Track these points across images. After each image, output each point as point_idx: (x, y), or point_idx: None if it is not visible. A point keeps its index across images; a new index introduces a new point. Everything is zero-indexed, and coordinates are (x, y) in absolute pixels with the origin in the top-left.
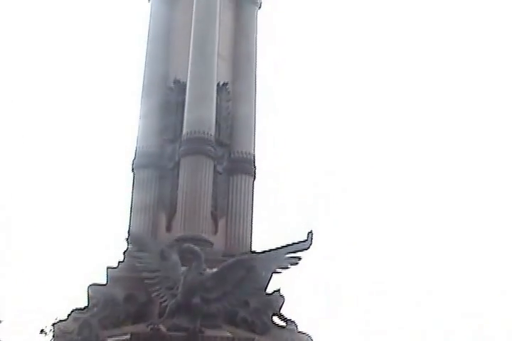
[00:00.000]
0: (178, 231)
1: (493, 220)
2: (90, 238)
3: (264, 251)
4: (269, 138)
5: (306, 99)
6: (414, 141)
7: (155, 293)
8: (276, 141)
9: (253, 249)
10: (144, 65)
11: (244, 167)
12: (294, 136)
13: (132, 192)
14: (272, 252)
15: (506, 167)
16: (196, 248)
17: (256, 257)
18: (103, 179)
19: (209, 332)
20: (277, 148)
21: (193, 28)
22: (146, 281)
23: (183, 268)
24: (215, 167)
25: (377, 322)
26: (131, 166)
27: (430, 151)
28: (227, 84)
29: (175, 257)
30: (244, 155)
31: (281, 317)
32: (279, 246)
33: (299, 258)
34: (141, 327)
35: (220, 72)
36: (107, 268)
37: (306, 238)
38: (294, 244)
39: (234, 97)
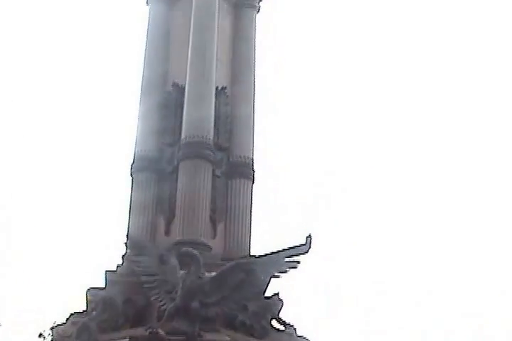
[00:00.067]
0: (176, 235)
1: (493, 220)
2: (89, 242)
3: (262, 255)
4: (268, 140)
5: (306, 100)
6: (414, 141)
7: (154, 297)
8: (275, 142)
9: (252, 253)
10: (142, 69)
11: (242, 171)
12: (293, 138)
13: (131, 196)
14: (270, 256)
15: (506, 167)
16: (195, 252)
17: (254, 261)
18: (102, 183)
19: (208, 336)
20: (276, 149)
21: (191, 31)
22: (144, 285)
23: (182, 272)
24: (213, 171)
25: (377, 322)
26: (129, 170)
27: (430, 151)
28: (225, 88)
29: (173, 261)
30: (243, 159)
31: (279, 321)
32: (277, 250)
33: (298, 262)
34: (139, 331)
35: (218, 75)
36: (106, 271)
37: (304, 242)
38: (292, 247)
39: (232, 101)
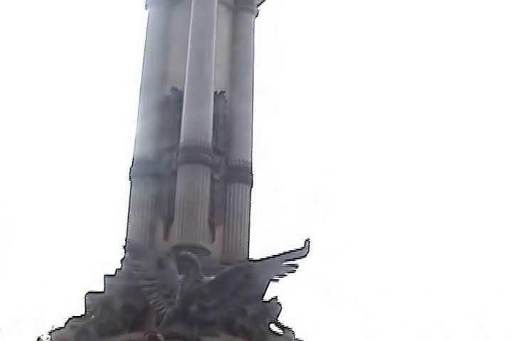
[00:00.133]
0: (175, 239)
1: (493, 220)
2: (88, 246)
3: (261, 259)
4: (267, 141)
5: (306, 101)
6: (414, 141)
7: (152, 301)
8: (274, 144)
9: (250, 257)
10: (141, 72)
11: (241, 175)
12: (292, 139)
13: (129, 200)
14: (269, 260)
15: (506, 167)
16: (193, 256)
17: (253, 265)
18: (101, 187)
19: (206, 340)
20: (275, 151)
21: (190, 36)
22: (143, 289)
23: (181, 276)
24: (212, 175)
25: (377, 322)
26: (128, 174)
27: (430, 151)
28: (224, 92)
29: (172, 265)
30: (242, 163)
31: (278, 324)
32: (276, 254)
33: (296, 266)
34: (138, 335)
35: (217, 80)
36: (105, 276)
37: (303, 245)
38: (291, 251)
39: (231, 105)
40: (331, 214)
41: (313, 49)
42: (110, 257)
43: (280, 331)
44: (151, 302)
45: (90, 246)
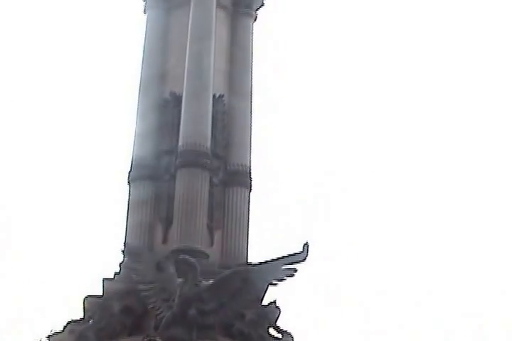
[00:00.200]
0: (174, 243)
1: (493, 220)
2: (86, 249)
3: (260, 263)
4: (266, 142)
5: (304, 103)
6: (414, 141)
7: (151, 305)
8: (273, 145)
9: (249, 260)
10: (139, 75)
11: (240, 179)
12: (292, 141)
13: (128, 204)
14: (267, 264)
15: (506, 167)
16: (192, 260)
17: (252, 269)
18: (100, 190)
19: None
20: (274, 153)
21: (188, 40)
22: (142, 293)
23: (179, 280)
24: (210, 179)
25: (377, 322)
26: (127, 178)
27: (430, 151)
28: (223, 96)
29: (171, 269)
30: (240, 167)
31: (277, 329)
32: (274, 258)
33: (295, 270)
34: (137, 339)
35: (215, 84)
36: (103, 279)
37: (302, 249)
38: (289, 255)
39: (230, 109)
40: (331, 215)
41: (311, 53)
42: (109, 261)
43: (279, 335)
44: (149, 306)
45: (89, 249)
